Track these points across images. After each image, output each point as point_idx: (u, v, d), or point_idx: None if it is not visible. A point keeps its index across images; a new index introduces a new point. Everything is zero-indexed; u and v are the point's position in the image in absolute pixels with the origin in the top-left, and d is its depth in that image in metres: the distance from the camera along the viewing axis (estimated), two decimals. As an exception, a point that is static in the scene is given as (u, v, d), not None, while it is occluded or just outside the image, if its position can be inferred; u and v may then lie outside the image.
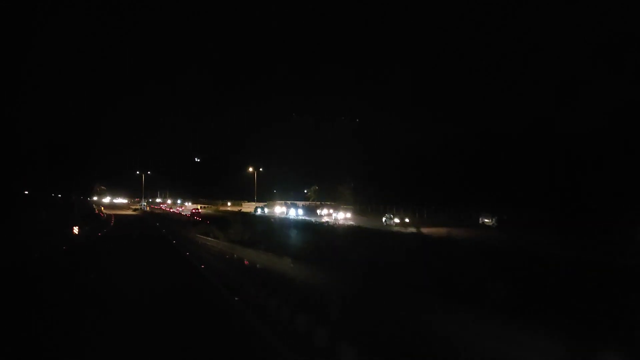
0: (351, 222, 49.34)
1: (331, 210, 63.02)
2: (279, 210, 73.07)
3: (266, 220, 53.46)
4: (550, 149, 58.20)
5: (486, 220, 46.49)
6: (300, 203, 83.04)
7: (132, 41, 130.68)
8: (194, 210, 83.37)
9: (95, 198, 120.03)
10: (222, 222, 37.95)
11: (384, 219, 49.64)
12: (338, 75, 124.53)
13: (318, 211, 64.92)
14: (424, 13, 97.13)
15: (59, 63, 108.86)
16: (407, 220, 47.81)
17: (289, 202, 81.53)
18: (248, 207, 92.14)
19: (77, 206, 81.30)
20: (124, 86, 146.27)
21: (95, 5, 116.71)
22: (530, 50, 72.91)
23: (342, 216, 55.85)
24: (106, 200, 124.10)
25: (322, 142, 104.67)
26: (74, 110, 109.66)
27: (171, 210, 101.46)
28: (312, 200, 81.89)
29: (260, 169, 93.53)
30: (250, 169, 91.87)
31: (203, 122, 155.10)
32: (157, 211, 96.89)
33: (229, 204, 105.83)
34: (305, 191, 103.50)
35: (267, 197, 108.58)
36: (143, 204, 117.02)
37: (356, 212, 61.00)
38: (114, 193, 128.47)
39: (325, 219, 54.12)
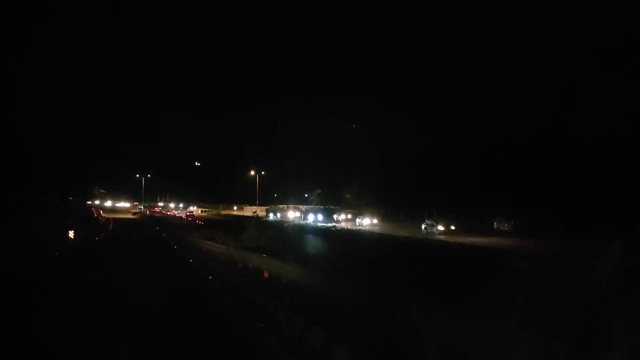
0: (378, 229, 44.36)
1: (349, 216, 57.49)
2: (292, 215, 67.88)
3: (282, 226, 49.42)
4: (560, 151, 55.86)
5: (502, 225, 43.40)
6: (303, 207, 78.96)
7: (132, 42, 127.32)
8: (188, 213, 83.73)
9: (97, 202, 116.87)
10: (229, 226, 34.80)
11: (423, 226, 42.43)
12: (339, 77, 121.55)
13: (335, 216, 59.06)
14: (423, 14, 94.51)
15: (58, 65, 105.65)
16: (452, 227, 40.29)
17: (306, 206, 76.42)
18: (250, 211, 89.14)
19: (76, 210, 78.34)
20: (124, 89, 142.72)
21: (95, 6, 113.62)
22: (533, 51, 70.59)
23: (367, 222, 49.77)
24: (108, 204, 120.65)
25: (324, 145, 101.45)
26: (74, 113, 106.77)
27: (168, 213, 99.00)
28: (315, 205, 78.60)
29: (263, 172, 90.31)
30: (252, 173, 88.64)
31: (204, 125, 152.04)
32: (157, 215, 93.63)
33: (234, 208, 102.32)
34: (306, 195, 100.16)
35: (268, 201, 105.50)
36: (141, 207, 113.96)
37: (381, 217, 54.05)
38: (116, 197, 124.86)
39: (343, 225, 49.95)
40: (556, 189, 51.51)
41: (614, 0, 69.79)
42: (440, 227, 40.23)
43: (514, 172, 55.35)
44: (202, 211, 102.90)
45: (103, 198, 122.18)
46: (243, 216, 69.15)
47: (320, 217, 56.99)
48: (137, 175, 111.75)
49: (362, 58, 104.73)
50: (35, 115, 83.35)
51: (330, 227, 47.37)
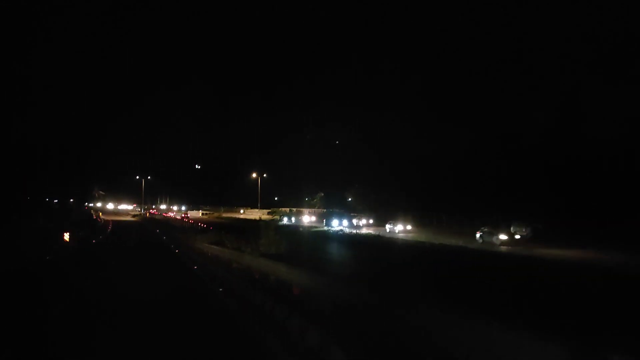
0: (413, 236, 38.75)
1: (370, 220, 51.84)
2: (307, 219, 61.98)
3: (304, 232, 44.64)
4: (568, 153, 53.49)
5: (519, 230, 40.32)
6: (307, 210, 74.58)
7: (133, 45, 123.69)
8: (183, 215, 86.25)
9: (99, 204, 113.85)
10: (241, 230, 31.48)
11: (478, 234, 34.34)
12: (339, 79, 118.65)
13: (355, 221, 52.10)
14: (423, 14, 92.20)
15: (59, 67, 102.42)
16: (518, 236, 32.30)
17: (319, 210, 69.66)
18: (251, 214, 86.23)
19: (75, 212, 75.74)
20: (125, 91, 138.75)
21: (97, 9, 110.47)
22: (534, 51, 68.48)
23: (400, 228, 43.12)
24: (110, 206, 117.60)
25: (325, 148, 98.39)
26: (74, 115, 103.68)
27: (166, 215, 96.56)
28: (318, 208, 75.27)
29: (265, 175, 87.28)
30: (254, 175, 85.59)
31: (204, 129, 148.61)
32: (157, 217, 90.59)
33: (241, 211, 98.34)
34: (306, 199, 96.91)
35: (268, 204, 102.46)
36: (138, 209, 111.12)
37: (411, 222, 45.75)
38: (118, 199, 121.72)
39: (364, 230, 45.15)
40: (564, 191, 49.20)
41: (614, 0, 67.84)
42: (503, 236, 32.68)
43: (524, 175, 52.78)
44: (202, 214, 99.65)
45: (103, 200, 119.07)
46: (254, 219, 65.51)
47: (345, 222, 48.84)
48: (137, 177, 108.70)
49: (362, 60, 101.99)
50: (36, 117, 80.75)
51: (363, 234, 41.89)
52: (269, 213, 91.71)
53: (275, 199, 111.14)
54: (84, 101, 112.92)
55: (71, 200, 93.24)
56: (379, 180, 63.44)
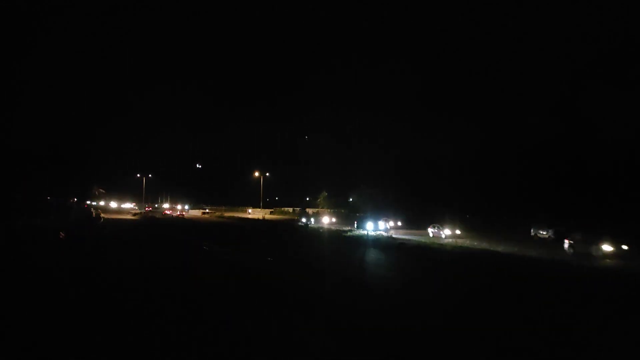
0: (466, 242, 32.65)
1: (399, 223, 45.77)
2: (327, 220, 55.88)
3: (338, 237, 39.60)
4: (573, 155, 50.72)
5: (540, 232, 37.24)
6: (330, 211, 67.83)
7: (133, 43, 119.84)
8: (179, 214, 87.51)
9: (102, 203, 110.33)
10: (244, 230, 27.89)
11: (566, 244, 27.31)
12: (340, 79, 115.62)
13: (381, 223, 44.35)
14: (423, 14, 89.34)
15: (59, 66, 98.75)
16: (625, 247, 24.78)
17: (336, 210, 62.92)
18: (254, 214, 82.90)
19: (75, 211, 72.38)
20: (125, 91, 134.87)
21: (97, 7, 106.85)
22: (534, 51, 65.94)
23: (448, 233, 37.42)
24: (113, 205, 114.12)
25: (327, 148, 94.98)
26: (75, 114, 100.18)
27: (163, 213, 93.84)
28: (322, 207, 71.74)
29: (267, 174, 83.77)
30: (256, 174, 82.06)
31: (205, 128, 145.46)
32: (157, 216, 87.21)
33: (249, 210, 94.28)
34: (307, 199, 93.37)
35: (270, 204, 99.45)
36: (136, 207, 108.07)
37: (459, 226, 38.71)
38: (121, 198, 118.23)
39: (392, 234, 39.65)
40: (571, 192, 46.76)
41: (614, 1, 65.73)
42: (607, 247, 24.96)
43: (537, 177, 49.81)
44: (202, 213, 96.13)
45: (105, 198, 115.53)
46: (256, 219, 61.75)
47: (382, 225, 41.81)
48: (138, 175, 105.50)
49: (362, 60, 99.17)
50: (36, 116, 77.66)
51: (417, 241, 34.89)
52: (271, 213, 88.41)
53: (277, 198, 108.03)
54: (84, 101, 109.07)
55: (75, 199, 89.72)
56: (386, 180, 60.08)
